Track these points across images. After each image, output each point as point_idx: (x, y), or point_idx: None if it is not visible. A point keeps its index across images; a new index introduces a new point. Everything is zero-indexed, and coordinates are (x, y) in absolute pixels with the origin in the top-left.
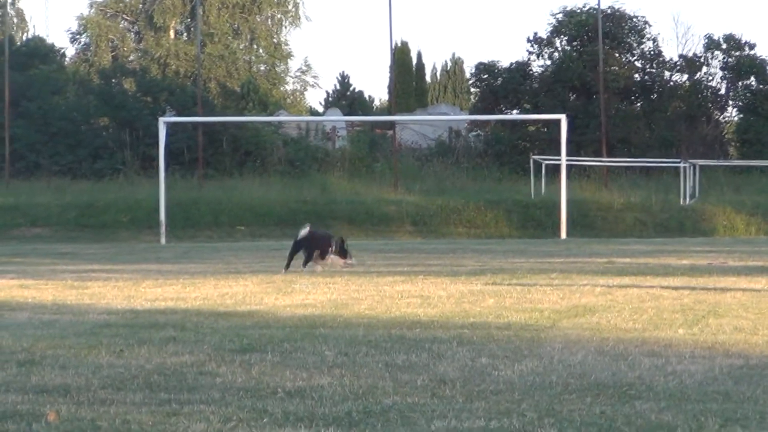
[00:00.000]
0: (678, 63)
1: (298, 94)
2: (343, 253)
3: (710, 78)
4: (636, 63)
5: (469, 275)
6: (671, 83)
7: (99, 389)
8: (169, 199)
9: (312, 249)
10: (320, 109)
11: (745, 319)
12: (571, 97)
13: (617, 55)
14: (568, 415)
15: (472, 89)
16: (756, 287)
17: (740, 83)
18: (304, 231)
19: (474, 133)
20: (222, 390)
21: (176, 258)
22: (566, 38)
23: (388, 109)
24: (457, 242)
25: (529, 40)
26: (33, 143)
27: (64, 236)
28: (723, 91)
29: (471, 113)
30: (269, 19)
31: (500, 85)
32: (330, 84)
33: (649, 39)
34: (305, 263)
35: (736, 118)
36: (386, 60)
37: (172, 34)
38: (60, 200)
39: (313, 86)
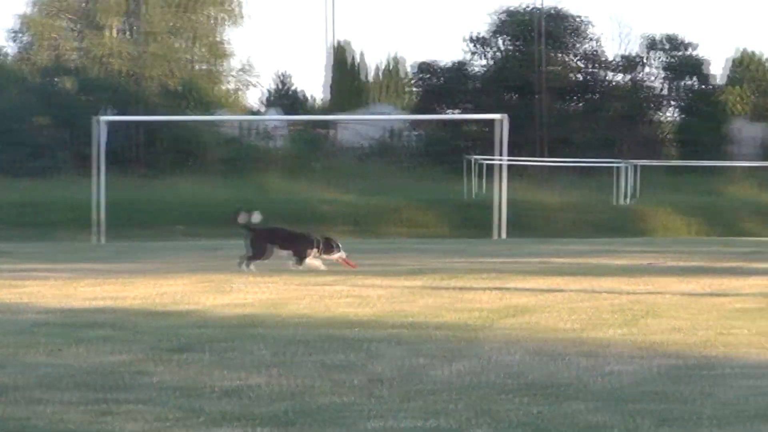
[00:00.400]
0: (618, 63)
1: (238, 93)
2: (330, 248)
3: (650, 78)
4: (576, 63)
5: (407, 275)
6: (611, 83)
7: (35, 388)
8: (107, 198)
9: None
10: (259, 109)
11: (682, 320)
12: (511, 97)
13: (557, 55)
14: (504, 414)
15: (412, 89)
16: (693, 288)
17: (680, 83)
18: (255, 217)
19: (413, 133)
20: (158, 389)
21: (114, 257)
22: (507, 38)
23: (327, 109)
24: (395, 242)
25: (469, 40)
26: None
27: (2, 235)
28: (663, 92)
29: (410, 113)
30: (210, 18)
31: (440, 85)
32: (269, 83)
33: (589, 39)
34: (252, 259)
35: (675, 119)
36: (325, 59)
37: (113, 32)
38: None
39: (253, 85)
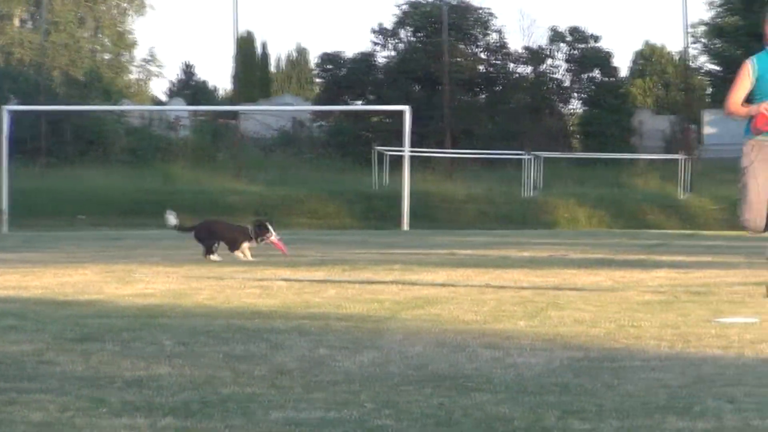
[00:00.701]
0: (522, 55)
1: (141, 83)
2: (261, 231)
3: (554, 70)
4: (481, 55)
5: (311, 266)
6: (516, 75)
7: None
8: (11, 187)
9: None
10: (164, 99)
11: (585, 312)
12: (416, 89)
13: (462, 46)
14: (407, 406)
15: (317, 80)
16: (597, 280)
17: (584, 75)
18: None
19: (317, 124)
20: (61, 379)
21: (17, 246)
22: (411, 29)
23: (232, 99)
24: (299, 233)
25: (373, 31)
26: None
27: None
28: (567, 84)
29: (315, 104)
30: (114, 8)
31: (344, 76)
32: (174, 73)
33: (493, 31)
34: (208, 252)
35: (579, 111)
36: (230, 50)
37: (16, 22)
38: None
39: (157, 75)
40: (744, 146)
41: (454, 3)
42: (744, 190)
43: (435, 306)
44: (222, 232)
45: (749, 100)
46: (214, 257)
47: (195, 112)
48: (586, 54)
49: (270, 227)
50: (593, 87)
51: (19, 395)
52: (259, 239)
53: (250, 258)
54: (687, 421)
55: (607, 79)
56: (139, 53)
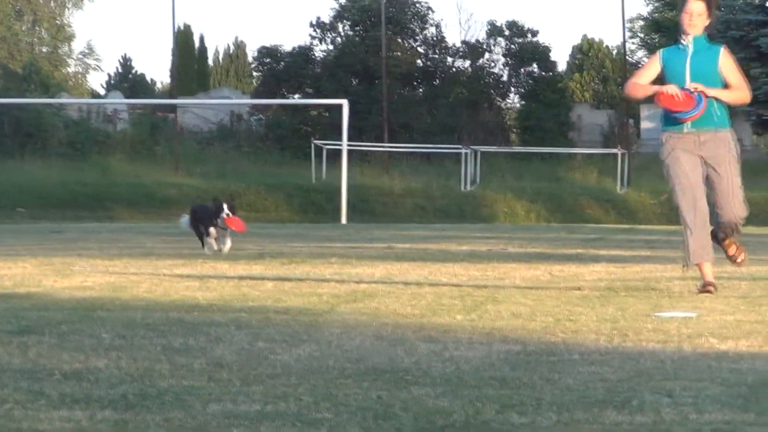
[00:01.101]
0: (460, 49)
1: (80, 76)
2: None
3: (493, 64)
4: (419, 49)
5: (249, 259)
6: (453, 69)
7: None
8: None
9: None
10: (102, 92)
11: (523, 306)
12: (354, 82)
13: (400, 40)
14: (345, 399)
15: (255, 73)
16: (535, 274)
17: (522, 70)
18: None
19: (256, 117)
20: None
21: None
22: (349, 23)
23: (170, 92)
24: None
25: (311, 25)
26: None
27: None
28: (505, 78)
29: (253, 97)
30: (52, 1)
31: (282, 70)
32: (112, 67)
33: (432, 25)
34: (202, 241)
35: (517, 105)
36: (169, 43)
37: None
38: None
39: (95, 69)
40: (661, 137)
41: None
42: (672, 179)
43: (373, 299)
44: (201, 217)
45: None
46: (207, 248)
47: (133, 106)
48: (524, 48)
49: (224, 206)
50: (531, 81)
51: None
52: (217, 220)
53: (220, 247)
54: (625, 415)
55: (545, 73)
56: (78, 46)
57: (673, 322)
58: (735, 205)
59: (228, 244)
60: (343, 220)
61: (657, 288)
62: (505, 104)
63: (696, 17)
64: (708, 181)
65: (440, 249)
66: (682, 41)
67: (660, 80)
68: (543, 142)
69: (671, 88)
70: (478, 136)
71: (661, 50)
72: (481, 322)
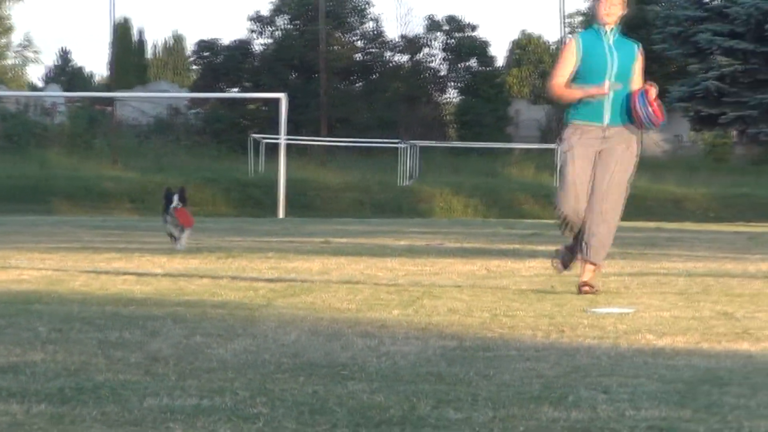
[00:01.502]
0: (399, 44)
1: (18, 69)
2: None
3: (431, 59)
4: (357, 43)
5: (186, 253)
6: (392, 64)
7: None
8: None
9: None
10: (40, 85)
11: (460, 301)
12: (292, 76)
13: (339, 34)
14: (281, 394)
15: (193, 67)
16: (472, 269)
17: (461, 64)
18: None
19: (194, 111)
20: None
21: None
22: (288, 17)
23: (108, 86)
24: None
25: (250, 18)
26: None
27: None
28: (443, 72)
29: (191, 91)
30: None
31: (221, 63)
32: (50, 59)
33: (370, 19)
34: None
35: (456, 100)
36: (107, 36)
37: None
38: None
39: (33, 61)
40: (565, 131)
41: None
42: (561, 177)
43: (310, 294)
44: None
45: (573, 80)
46: (176, 243)
47: (71, 99)
48: (463, 43)
49: (174, 197)
50: (469, 76)
51: None
52: (166, 212)
53: (178, 243)
54: (561, 411)
55: (483, 68)
56: (16, 38)
57: (610, 318)
58: (601, 226)
59: (183, 238)
60: (281, 214)
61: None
62: (444, 99)
63: (613, 6)
64: (593, 176)
65: (377, 244)
66: (600, 30)
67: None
68: (481, 137)
69: (607, 86)
70: (416, 131)
71: (577, 36)
72: (418, 317)
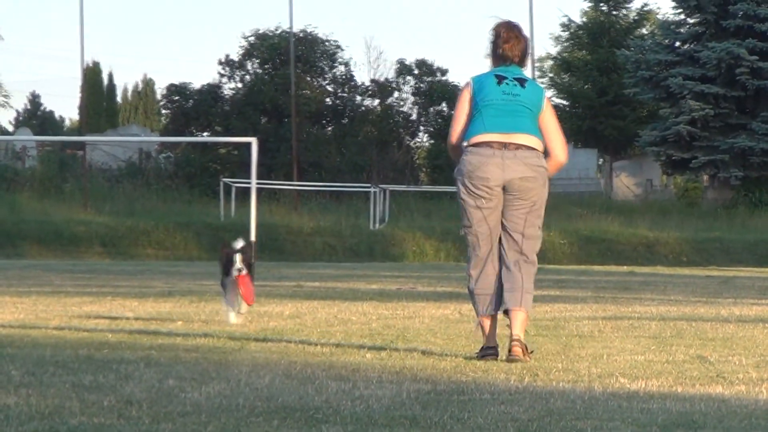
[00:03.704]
0: (370, 88)
1: None
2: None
3: (402, 103)
4: (328, 87)
5: (158, 297)
6: (363, 108)
7: None
8: None
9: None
10: (10, 128)
11: (433, 344)
12: (263, 120)
13: (309, 78)
14: None
15: (163, 111)
16: (444, 313)
17: (432, 108)
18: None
19: (164, 155)
20: None
21: None
22: (258, 61)
23: (79, 130)
24: (146, 264)
25: (220, 62)
26: None
27: None
28: (414, 117)
29: (162, 135)
30: None
31: (191, 107)
32: (20, 103)
33: (341, 63)
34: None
35: (427, 144)
36: (78, 80)
37: None
38: None
39: (3, 105)
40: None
41: (301, 35)
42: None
43: (283, 338)
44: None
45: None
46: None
47: (42, 143)
48: (434, 87)
49: (236, 256)
50: (440, 120)
51: None
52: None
53: (230, 315)
54: None
55: (453, 112)
56: None
57: (584, 363)
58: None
59: (239, 314)
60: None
61: (567, 328)
62: (415, 143)
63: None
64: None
65: (349, 287)
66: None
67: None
68: (451, 181)
69: None
70: (387, 175)
71: (471, 78)
72: (391, 360)
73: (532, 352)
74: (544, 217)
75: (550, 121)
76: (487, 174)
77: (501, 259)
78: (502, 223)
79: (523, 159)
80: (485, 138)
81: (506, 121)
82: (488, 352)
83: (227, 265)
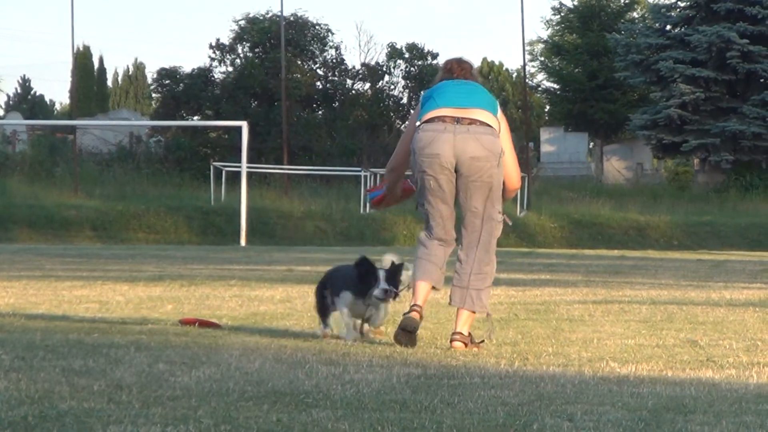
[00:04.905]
0: (360, 71)
1: None
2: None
3: (392, 87)
4: (318, 71)
5: (148, 281)
6: (353, 91)
7: None
8: None
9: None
10: (0, 113)
11: (424, 329)
12: (253, 104)
13: (300, 62)
14: (245, 422)
15: (154, 95)
16: (435, 297)
17: (422, 92)
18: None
19: (155, 139)
20: None
21: None
22: (249, 45)
23: (69, 114)
24: (136, 248)
25: (211, 46)
26: None
27: None
28: (405, 100)
29: (152, 119)
30: None
31: (182, 91)
32: (11, 87)
33: (331, 47)
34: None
35: None
36: (68, 64)
37: None
38: None
39: None
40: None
41: (292, 19)
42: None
43: (272, 322)
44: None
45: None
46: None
47: (32, 127)
48: (424, 71)
49: (380, 273)
50: None
51: None
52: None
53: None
54: None
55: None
56: None
57: (574, 346)
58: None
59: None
60: (243, 242)
61: (557, 312)
62: (405, 127)
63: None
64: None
65: None
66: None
67: None
68: None
69: None
70: (378, 159)
71: (424, 91)
72: (382, 345)
73: (482, 341)
74: (533, 202)
75: (505, 141)
76: (437, 150)
77: (459, 243)
78: (461, 207)
79: (476, 135)
80: (438, 113)
81: (461, 97)
82: (413, 308)
83: (366, 278)
